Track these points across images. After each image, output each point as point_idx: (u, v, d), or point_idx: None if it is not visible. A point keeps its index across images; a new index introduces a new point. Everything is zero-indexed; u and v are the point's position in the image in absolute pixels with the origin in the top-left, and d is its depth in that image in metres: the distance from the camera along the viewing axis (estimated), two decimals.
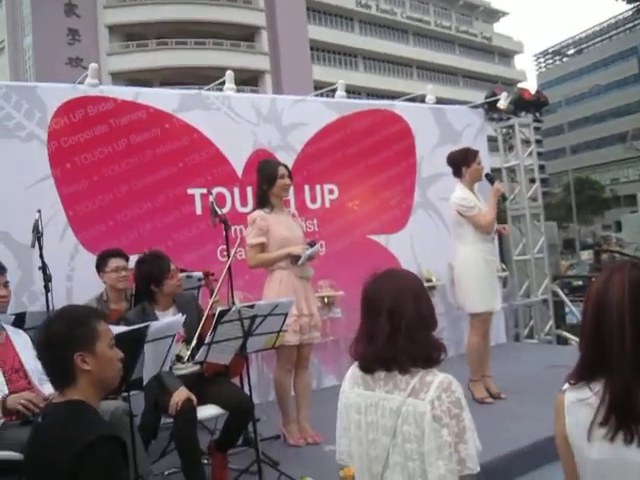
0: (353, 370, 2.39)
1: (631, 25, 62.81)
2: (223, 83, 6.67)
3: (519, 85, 12.97)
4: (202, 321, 4.23)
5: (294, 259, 4.80)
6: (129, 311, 4.40)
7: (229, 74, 6.64)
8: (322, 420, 5.16)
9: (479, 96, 9.09)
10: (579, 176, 53.13)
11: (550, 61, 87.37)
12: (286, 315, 4.15)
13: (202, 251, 6.09)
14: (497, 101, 8.56)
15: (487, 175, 5.89)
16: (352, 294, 6.53)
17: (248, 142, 6.60)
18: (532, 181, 9.33)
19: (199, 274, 5.04)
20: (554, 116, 58.36)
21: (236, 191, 6.49)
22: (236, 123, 6.55)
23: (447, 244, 5.93)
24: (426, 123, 8.02)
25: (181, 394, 3.91)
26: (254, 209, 5.02)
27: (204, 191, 6.06)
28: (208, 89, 6.74)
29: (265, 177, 4.96)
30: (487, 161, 7.97)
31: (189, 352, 4.17)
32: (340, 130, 7.26)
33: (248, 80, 35.88)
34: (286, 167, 5.04)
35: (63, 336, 2.22)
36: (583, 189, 50.42)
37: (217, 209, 4.66)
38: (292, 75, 35.50)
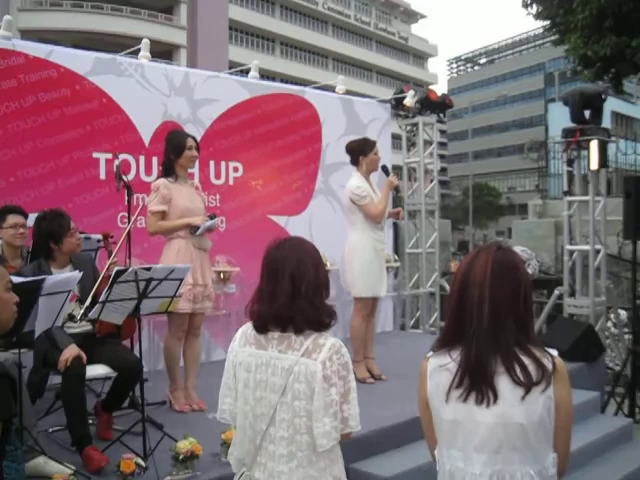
0: (244, 330, 2.51)
1: (541, 42, 65.11)
2: (138, 51, 6.66)
3: (433, 87, 13.40)
4: (98, 281, 4.29)
5: (193, 229, 4.92)
6: (24, 267, 4.40)
7: (145, 42, 6.62)
8: (208, 390, 5.32)
9: (391, 93, 9.39)
10: (479, 182, 54.83)
11: (462, 67, 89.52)
12: (181, 281, 4.23)
13: (102, 216, 6.08)
14: (404, 98, 8.88)
15: (383, 167, 6.09)
16: (248, 271, 6.75)
17: (158, 112, 6.61)
18: (431, 180, 9.71)
19: (98, 236, 5.07)
20: (460, 121, 60.00)
21: (142, 159, 6.50)
22: (148, 92, 6.55)
23: (344, 230, 6.13)
24: (334, 112, 8.22)
25: (71, 351, 3.96)
26: (158, 177, 5.10)
27: (109, 156, 6.04)
28: (123, 55, 6.70)
29: (173, 147, 5.04)
30: (390, 157, 8.28)
31: (82, 311, 4.21)
32: (250, 110, 7.37)
33: (163, 53, 35.16)
34: (194, 139, 5.14)
35: None
36: (481, 194, 52.12)
37: (122, 174, 4.71)
38: (208, 52, 34.97)
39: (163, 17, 37.90)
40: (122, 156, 6.11)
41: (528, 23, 73.59)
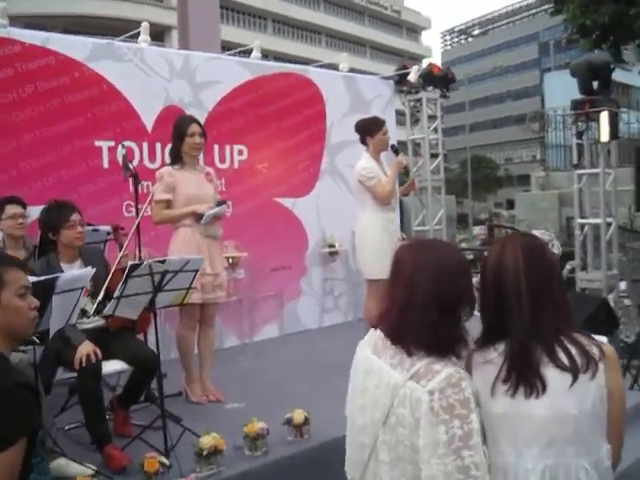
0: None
1: (535, 11, 64.62)
2: (137, 35, 6.50)
3: (428, 61, 13.28)
4: (110, 275, 4.18)
5: (197, 217, 4.79)
6: (34, 262, 4.28)
7: (144, 25, 6.46)
8: (223, 379, 5.26)
9: (385, 68, 9.31)
10: (476, 154, 54.59)
11: (456, 39, 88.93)
12: (196, 272, 4.13)
13: (108, 205, 5.97)
14: (408, 74, 8.75)
15: (392, 146, 5.96)
16: (256, 255, 6.65)
17: (159, 97, 6.48)
18: (435, 155, 9.59)
19: (107, 228, 4.97)
20: (456, 94, 59.24)
21: (145, 146, 6.37)
22: (148, 77, 6.40)
23: (352, 211, 6.04)
24: (337, 90, 8.09)
25: (86, 348, 3.85)
26: (164, 165, 4.99)
27: (112, 144, 5.93)
28: (121, 40, 6.55)
29: (177, 133, 4.93)
30: (394, 133, 8.14)
31: (94, 306, 4.12)
32: (253, 91, 7.23)
33: (154, 35, 34.55)
34: (200, 125, 5.00)
35: None
36: (479, 167, 51.89)
37: (129, 163, 4.60)
38: (200, 33, 34.35)
39: None
40: (125, 143, 6.01)
41: None
